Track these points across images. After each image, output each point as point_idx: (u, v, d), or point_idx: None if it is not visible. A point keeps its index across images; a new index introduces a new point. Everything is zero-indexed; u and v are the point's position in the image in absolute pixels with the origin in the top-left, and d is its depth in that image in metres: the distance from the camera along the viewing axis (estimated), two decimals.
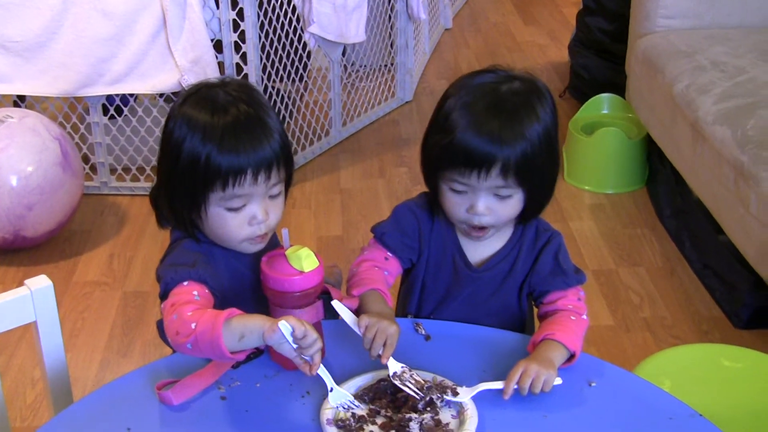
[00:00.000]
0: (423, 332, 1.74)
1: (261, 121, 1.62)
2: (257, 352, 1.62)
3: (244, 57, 3.68)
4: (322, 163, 4.18)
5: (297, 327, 1.42)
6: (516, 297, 1.85)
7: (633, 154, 3.87)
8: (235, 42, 3.64)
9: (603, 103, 4.14)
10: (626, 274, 3.33)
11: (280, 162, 1.63)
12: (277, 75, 3.94)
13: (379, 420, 1.50)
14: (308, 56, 4.16)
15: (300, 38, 3.99)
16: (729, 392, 2.02)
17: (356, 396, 1.55)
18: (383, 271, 1.79)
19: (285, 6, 3.86)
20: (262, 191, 1.63)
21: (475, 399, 1.53)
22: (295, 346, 1.44)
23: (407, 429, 1.48)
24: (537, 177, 1.71)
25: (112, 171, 3.88)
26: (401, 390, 1.54)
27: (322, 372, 1.52)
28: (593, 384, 1.62)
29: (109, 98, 3.74)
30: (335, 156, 4.26)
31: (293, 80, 4.10)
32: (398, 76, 4.72)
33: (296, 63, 4.04)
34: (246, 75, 3.69)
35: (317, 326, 1.61)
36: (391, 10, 4.61)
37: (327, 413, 1.50)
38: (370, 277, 1.75)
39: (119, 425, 1.51)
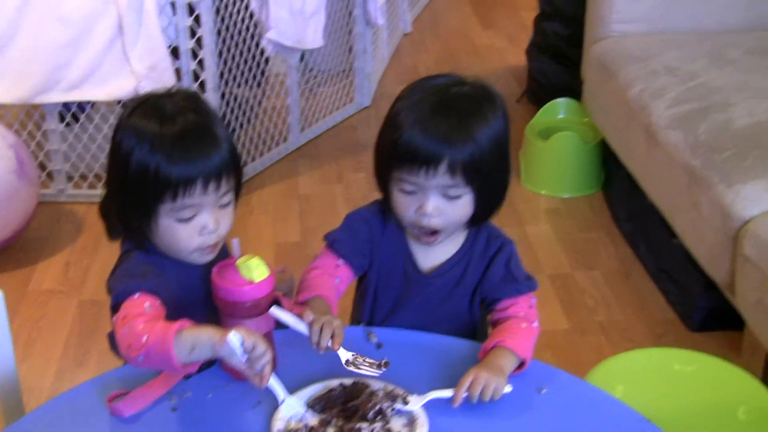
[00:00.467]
0: (375, 340, 1.75)
1: (209, 130, 1.62)
2: (209, 363, 1.62)
3: (201, 63, 3.67)
4: (280, 169, 4.18)
5: (247, 338, 1.42)
6: (468, 304, 1.86)
7: (589, 158, 3.90)
8: (192, 48, 3.63)
9: (559, 107, 4.17)
10: (582, 277, 3.35)
11: (230, 171, 1.64)
12: (234, 81, 3.93)
13: (330, 430, 1.51)
14: (266, 62, 4.16)
15: (258, 44, 3.99)
16: (679, 396, 2.05)
17: (307, 405, 1.55)
18: (334, 279, 1.80)
19: (242, 12, 3.86)
20: (212, 201, 1.63)
21: (426, 407, 1.55)
22: (245, 357, 1.44)
23: None
24: (486, 179, 1.73)
25: (69, 178, 3.86)
26: (352, 399, 1.55)
27: (273, 383, 1.53)
28: (543, 391, 1.63)
29: (66, 105, 3.72)
30: (293, 162, 4.26)
31: (251, 86, 4.10)
32: (357, 81, 4.73)
33: (254, 69, 4.04)
34: (203, 81, 3.68)
35: (268, 336, 1.62)
36: (350, 16, 4.61)
37: (278, 424, 1.51)
38: (318, 284, 1.76)
39: None
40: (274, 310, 1.60)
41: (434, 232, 1.76)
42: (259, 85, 4.17)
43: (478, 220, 1.80)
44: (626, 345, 2.97)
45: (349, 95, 4.74)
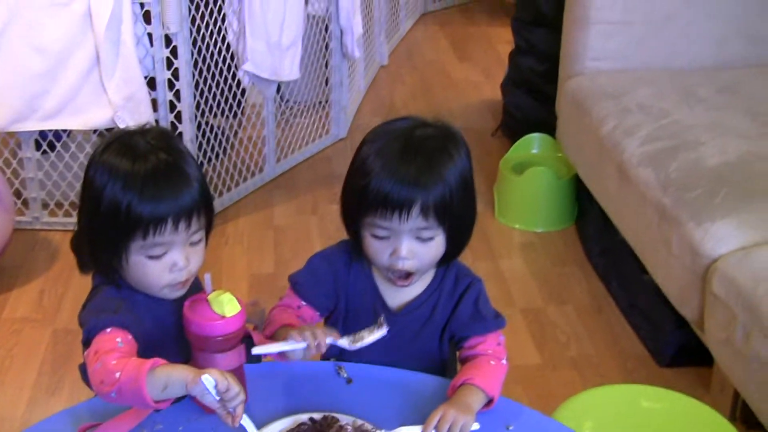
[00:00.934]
0: (345, 375, 1.76)
1: (180, 169, 1.64)
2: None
3: (177, 94, 3.69)
4: (255, 200, 4.19)
5: (220, 381, 1.44)
6: (437, 341, 1.87)
7: (562, 193, 3.94)
8: (169, 79, 3.65)
9: (533, 142, 4.20)
10: (554, 312, 3.37)
11: (201, 209, 1.65)
12: (210, 112, 3.95)
13: None
14: (242, 93, 4.18)
15: (234, 75, 4.01)
16: None
17: None
18: (296, 316, 1.82)
19: (219, 44, 3.88)
20: (183, 239, 1.65)
21: None
22: (217, 398, 1.45)
23: None
24: (456, 218, 1.74)
25: (45, 206, 3.86)
26: None
27: (245, 421, 1.54)
28: (510, 428, 1.65)
29: (42, 133, 3.72)
30: (269, 192, 4.27)
31: (227, 117, 4.12)
32: (333, 113, 4.76)
33: (230, 100, 4.06)
34: (179, 112, 3.70)
35: (239, 370, 1.63)
36: (326, 48, 4.64)
37: None
38: (282, 318, 1.78)
39: None
40: (258, 349, 1.62)
41: (408, 275, 1.78)
42: (235, 116, 4.19)
43: (448, 259, 1.82)
44: (597, 380, 2.99)
45: (325, 127, 4.76)
